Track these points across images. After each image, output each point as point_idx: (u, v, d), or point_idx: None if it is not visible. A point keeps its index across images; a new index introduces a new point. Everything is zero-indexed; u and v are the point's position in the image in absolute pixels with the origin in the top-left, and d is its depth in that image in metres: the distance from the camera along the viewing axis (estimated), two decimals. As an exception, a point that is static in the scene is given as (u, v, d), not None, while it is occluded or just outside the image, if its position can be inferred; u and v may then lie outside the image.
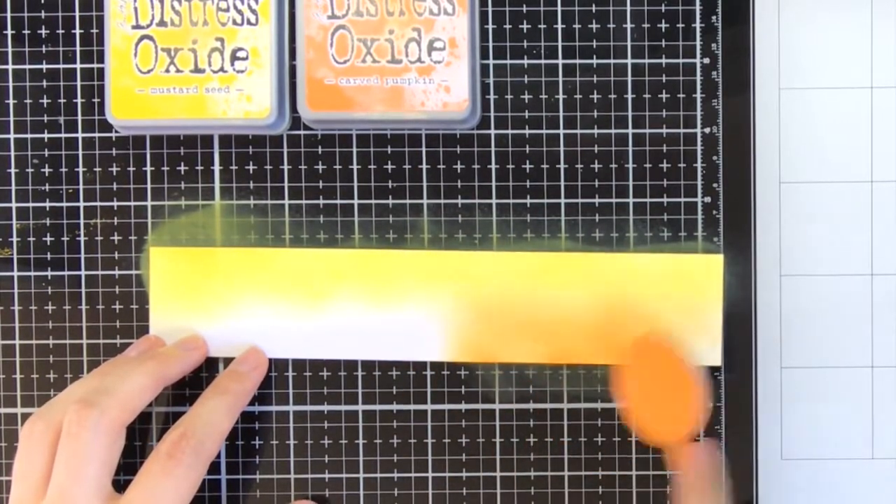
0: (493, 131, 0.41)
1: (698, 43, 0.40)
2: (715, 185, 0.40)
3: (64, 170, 0.41)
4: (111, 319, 0.41)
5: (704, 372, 0.39)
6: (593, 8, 0.40)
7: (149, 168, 0.41)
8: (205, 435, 0.36)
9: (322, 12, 0.39)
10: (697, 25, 0.40)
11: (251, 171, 0.41)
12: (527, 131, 0.41)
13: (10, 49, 0.41)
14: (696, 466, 0.37)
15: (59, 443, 0.35)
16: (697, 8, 0.40)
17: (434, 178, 0.41)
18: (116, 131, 0.41)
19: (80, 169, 0.41)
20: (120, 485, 0.36)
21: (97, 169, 0.41)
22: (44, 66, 0.41)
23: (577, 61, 0.41)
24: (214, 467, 0.41)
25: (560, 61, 0.41)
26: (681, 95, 0.40)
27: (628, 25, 0.40)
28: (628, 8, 0.40)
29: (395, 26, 0.39)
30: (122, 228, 0.41)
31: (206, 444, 0.36)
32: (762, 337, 0.41)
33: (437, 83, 0.39)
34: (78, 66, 0.41)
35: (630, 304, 0.40)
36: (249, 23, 0.39)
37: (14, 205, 0.41)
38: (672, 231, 0.40)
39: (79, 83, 0.41)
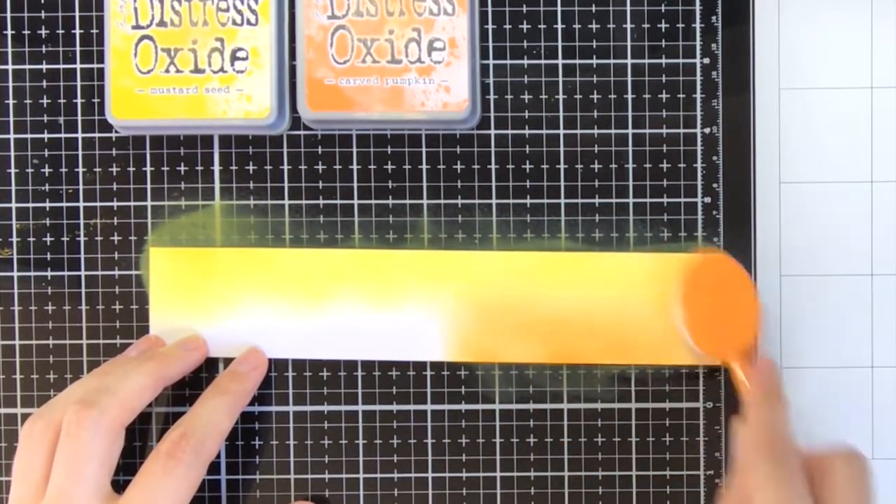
0: (493, 131, 0.41)
1: (698, 43, 0.40)
2: (715, 185, 0.40)
3: (64, 170, 0.41)
4: (111, 319, 0.41)
5: (756, 288, 0.39)
6: (593, 8, 0.40)
7: (149, 168, 0.41)
8: (205, 435, 0.36)
9: (322, 12, 0.39)
10: (697, 25, 0.40)
11: (251, 171, 0.41)
12: (527, 131, 0.41)
13: (10, 49, 0.41)
14: (761, 374, 0.37)
15: (59, 442, 0.35)
16: (697, 8, 0.40)
17: (434, 178, 0.41)
18: (116, 131, 0.41)
19: (80, 169, 0.41)
20: (119, 485, 0.36)
21: (97, 169, 0.41)
22: (44, 66, 0.41)
23: (577, 61, 0.41)
24: (214, 467, 0.41)
25: (560, 61, 0.41)
26: (681, 95, 0.40)
27: (628, 25, 0.40)
28: (628, 8, 0.40)
29: (395, 26, 0.39)
30: (122, 228, 0.41)
31: (207, 444, 0.36)
32: (762, 337, 0.41)
33: (437, 83, 0.39)
34: (78, 66, 0.41)
35: (630, 304, 0.40)
36: (249, 23, 0.39)
37: (14, 205, 0.41)
38: (672, 231, 0.40)
39: (79, 83, 0.41)
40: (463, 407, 0.41)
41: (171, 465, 0.35)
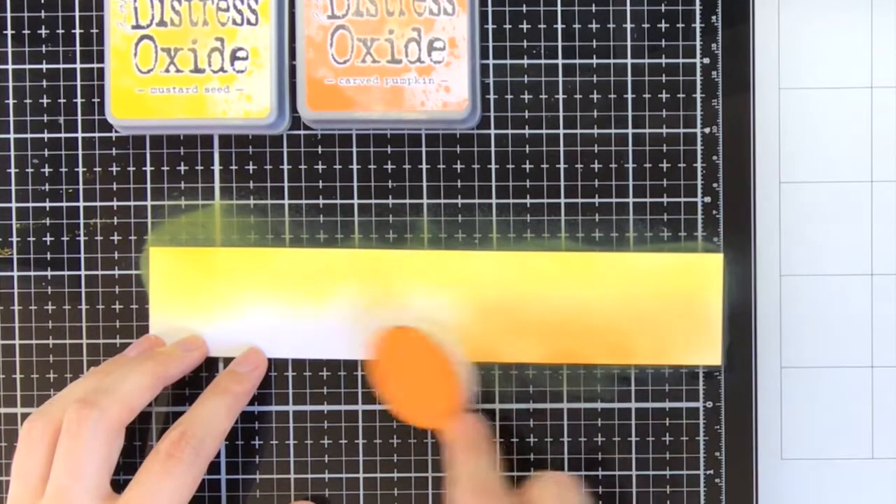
0: (493, 131, 0.41)
1: (698, 43, 0.40)
2: (715, 185, 0.40)
3: (64, 170, 0.41)
4: (111, 319, 0.41)
5: (456, 355, 0.39)
6: (593, 8, 0.40)
7: (149, 168, 0.41)
8: (205, 434, 0.37)
9: (322, 12, 0.39)
10: (697, 25, 0.40)
11: (251, 171, 0.41)
12: (527, 131, 0.41)
13: (10, 49, 0.41)
14: (462, 429, 0.38)
15: (59, 441, 0.35)
16: (697, 8, 0.40)
17: (434, 178, 0.41)
18: (116, 131, 0.41)
19: (80, 169, 0.41)
20: (119, 484, 0.36)
21: (97, 169, 0.41)
22: (44, 66, 0.41)
23: (577, 61, 0.41)
24: (214, 467, 0.41)
25: (560, 61, 0.41)
26: (681, 95, 0.40)
27: (628, 25, 0.40)
28: (628, 8, 0.40)
29: (394, 26, 0.39)
30: (122, 228, 0.41)
31: (206, 444, 0.36)
32: (762, 337, 0.41)
33: (437, 83, 0.39)
34: (78, 66, 0.41)
35: (630, 304, 0.40)
36: (249, 23, 0.39)
37: (14, 205, 0.41)
38: (672, 231, 0.40)
39: (79, 83, 0.41)
40: (463, 407, 0.41)
41: (171, 464, 0.35)
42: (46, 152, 0.41)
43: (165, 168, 0.41)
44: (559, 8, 0.40)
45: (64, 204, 0.41)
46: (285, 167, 0.41)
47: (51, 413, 0.36)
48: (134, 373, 0.37)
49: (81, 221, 0.41)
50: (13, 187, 0.41)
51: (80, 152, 0.41)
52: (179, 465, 0.35)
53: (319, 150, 0.41)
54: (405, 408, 0.39)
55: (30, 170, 0.41)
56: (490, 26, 0.41)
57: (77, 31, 0.41)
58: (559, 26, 0.41)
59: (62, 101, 0.41)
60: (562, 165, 0.41)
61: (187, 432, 0.36)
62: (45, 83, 0.41)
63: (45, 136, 0.41)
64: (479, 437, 0.38)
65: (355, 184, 0.41)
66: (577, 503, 0.36)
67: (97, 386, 0.36)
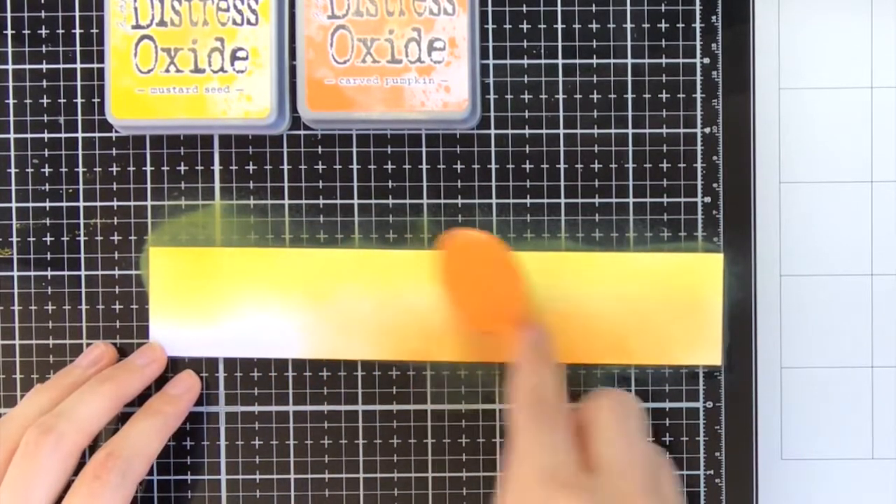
0: (493, 131, 0.41)
1: (698, 43, 0.40)
2: (715, 185, 0.40)
3: (64, 170, 0.41)
4: (111, 319, 0.41)
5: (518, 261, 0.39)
6: (593, 8, 0.40)
7: (149, 168, 0.41)
8: (132, 455, 0.36)
9: (322, 12, 0.39)
10: (697, 25, 0.40)
11: (251, 171, 0.41)
12: (527, 131, 0.41)
13: (10, 49, 0.41)
14: (528, 337, 0.36)
15: (12, 462, 0.35)
16: (697, 8, 0.40)
17: (434, 178, 0.41)
18: (116, 131, 0.41)
19: (80, 169, 0.41)
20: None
21: (97, 169, 0.41)
22: (44, 66, 0.41)
23: (577, 61, 0.41)
24: (214, 467, 0.41)
25: (560, 61, 0.41)
26: (681, 95, 0.40)
27: (628, 25, 0.40)
28: (628, 8, 0.40)
29: (395, 26, 0.39)
30: (122, 228, 0.41)
31: (134, 465, 0.36)
32: (762, 337, 0.41)
33: (437, 83, 0.39)
34: (78, 66, 0.41)
35: (630, 304, 0.40)
36: (249, 23, 0.39)
37: (14, 205, 0.41)
38: (672, 231, 0.40)
39: (79, 83, 0.41)
40: (463, 407, 0.41)
41: (97, 486, 0.35)
42: (46, 152, 0.41)
43: (165, 168, 0.41)
44: (559, 8, 0.40)
45: (64, 204, 0.41)
46: (285, 167, 0.41)
47: (5, 432, 0.36)
48: (93, 396, 0.37)
49: (81, 221, 0.41)
50: (13, 187, 0.41)
51: (80, 152, 0.41)
52: (105, 487, 0.35)
53: (319, 150, 0.41)
54: (469, 311, 0.38)
55: (30, 170, 0.41)
56: (490, 26, 0.41)
57: (77, 31, 0.41)
58: (559, 26, 0.41)
59: (62, 101, 0.41)
60: (562, 165, 0.41)
61: (114, 453, 0.36)
62: (45, 83, 0.41)
63: (45, 136, 0.41)
64: (543, 349, 0.36)
65: (355, 184, 0.41)
66: (634, 418, 0.34)
67: (56, 410, 0.36)
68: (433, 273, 0.39)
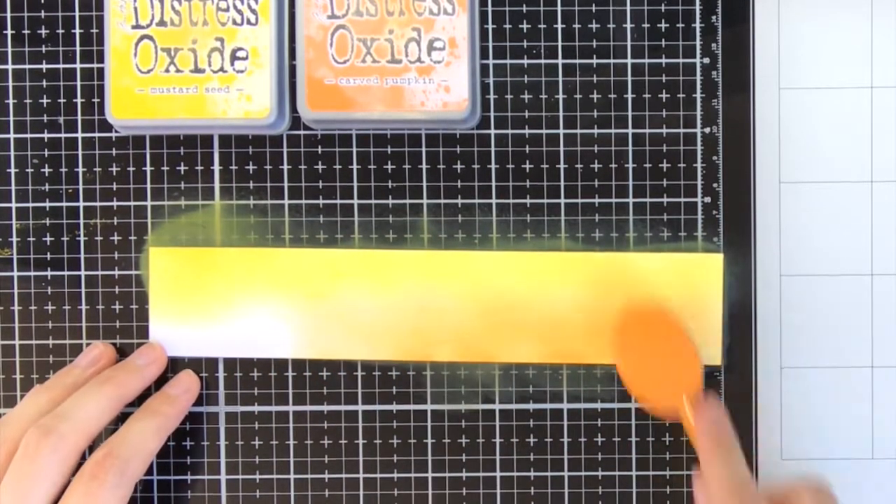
0: (493, 131, 0.41)
1: (698, 43, 0.40)
2: (715, 185, 0.40)
3: (64, 170, 0.41)
4: (111, 319, 0.41)
5: (689, 330, 0.39)
6: (593, 8, 0.40)
7: (149, 168, 0.41)
8: (130, 455, 0.36)
9: (322, 12, 0.39)
10: (697, 25, 0.40)
11: (251, 171, 0.41)
12: (527, 131, 0.41)
13: (10, 49, 0.41)
14: (707, 423, 0.37)
15: (12, 462, 0.35)
16: (697, 8, 0.40)
17: (434, 178, 0.41)
18: (116, 131, 0.41)
19: (80, 169, 0.41)
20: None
21: (97, 169, 0.41)
22: (44, 66, 0.41)
23: (577, 61, 0.41)
24: (214, 467, 0.41)
25: (560, 61, 0.41)
26: (681, 95, 0.40)
27: (628, 25, 0.40)
28: (628, 8, 0.40)
29: (394, 26, 0.39)
30: (122, 228, 0.41)
31: (132, 465, 0.36)
32: (762, 337, 0.41)
33: (436, 83, 0.39)
34: (78, 66, 0.41)
35: (630, 304, 0.40)
36: (249, 23, 0.39)
37: (14, 205, 0.41)
38: (672, 231, 0.40)
39: (79, 83, 0.41)
40: (462, 407, 0.41)
41: (94, 486, 0.35)
42: (46, 152, 0.41)
43: (165, 168, 0.41)
44: (559, 8, 0.40)
45: (64, 204, 0.41)
46: (285, 167, 0.41)
47: (5, 433, 0.36)
48: (93, 397, 0.37)
49: (81, 221, 0.41)
50: (13, 187, 0.41)
51: (80, 152, 0.41)
52: (102, 487, 0.35)
53: (319, 150, 0.41)
54: (646, 392, 0.38)
55: (30, 170, 0.41)
56: (490, 26, 0.41)
57: (77, 31, 0.41)
58: (559, 26, 0.41)
59: (62, 101, 0.41)
60: (562, 165, 0.41)
61: (112, 452, 0.36)
62: (45, 83, 0.41)
63: (45, 136, 0.41)
64: (727, 430, 0.36)
65: (355, 184, 0.41)
66: None
67: (56, 410, 0.36)
68: (609, 348, 0.40)
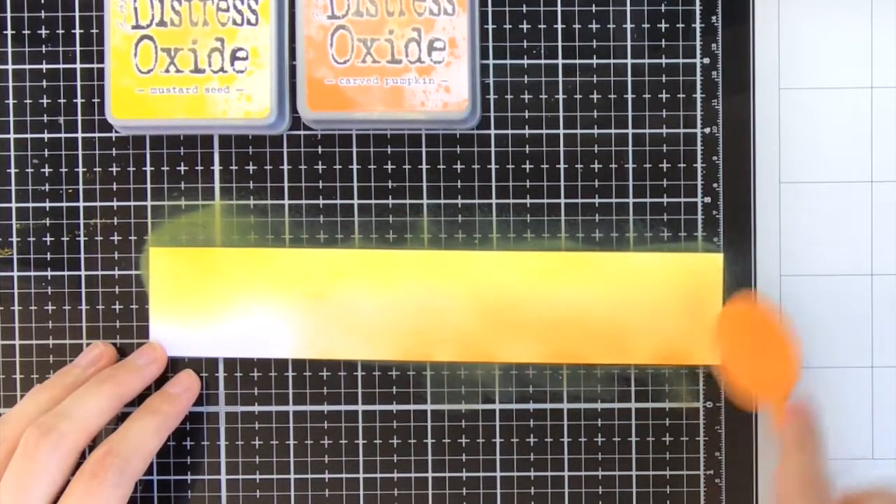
0: (493, 131, 0.41)
1: (698, 43, 0.40)
2: (715, 185, 0.40)
3: (64, 170, 0.41)
4: (111, 319, 0.41)
5: (795, 328, 0.39)
6: (593, 8, 0.40)
7: (149, 168, 0.41)
8: (131, 453, 0.36)
9: (322, 12, 0.39)
10: (697, 25, 0.40)
11: (251, 171, 0.41)
12: (527, 131, 0.41)
13: (10, 49, 0.41)
14: (797, 423, 0.37)
15: (12, 460, 0.35)
16: (697, 8, 0.40)
17: (434, 178, 0.41)
18: (116, 131, 0.41)
19: (80, 169, 0.41)
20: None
21: (97, 169, 0.41)
22: (44, 66, 0.41)
23: (577, 61, 0.41)
24: (214, 467, 0.41)
25: (560, 61, 0.41)
26: (681, 95, 0.40)
27: (628, 25, 0.40)
28: (628, 8, 0.40)
29: (395, 26, 0.39)
30: (122, 228, 0.41)
31: (132, 463, 0.36)
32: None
33: (437, 83, 0.39)
34: (78, 66, 0.41)
35: (630, 304, 0.40)
36: (249, 23, 0.39)
37: (14, 205, 0.41)
38: (672, 231, 0.40)
39: (79, 83, 0.41)
40: (463, 407, 0.41)
41: (94, 484, 0.35)
42: (46, 152, 0.41)
43: (165, 168, 0.41)
44: (559, 8, 0.40)
45: (64, 204, 0.41)
46: (285, 167, 0.41)
47: (5, 431, 0.36)
48: (92, 397, 0.37)
49: (81, 221, 0.41)
50: (13, 187, 0.41)
51: (80, 152, 0.41)
52: (103, 485, 0.35)
53: (319, 150, 0.41)
54: (741, 378, 0.39)
55: (30, 170, 0.41)
56: (490, 26, 0.41)
57: (77, 31, 0.41)
58: (559, 26, 0.41)
59: (62, 101, 0.41)
60: (562, 165, 0.41)
61: (112, 451, 0.36)
62: (45, 83, 0.41)
63: (45, 136, 0.41)
64: (812, 430, 0.37)
65: (355, 184, 0.41)
66: None
67: (56, 409, 0.36)
68: (712, 339, 0.40)
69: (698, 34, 0.40)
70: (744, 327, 0.39)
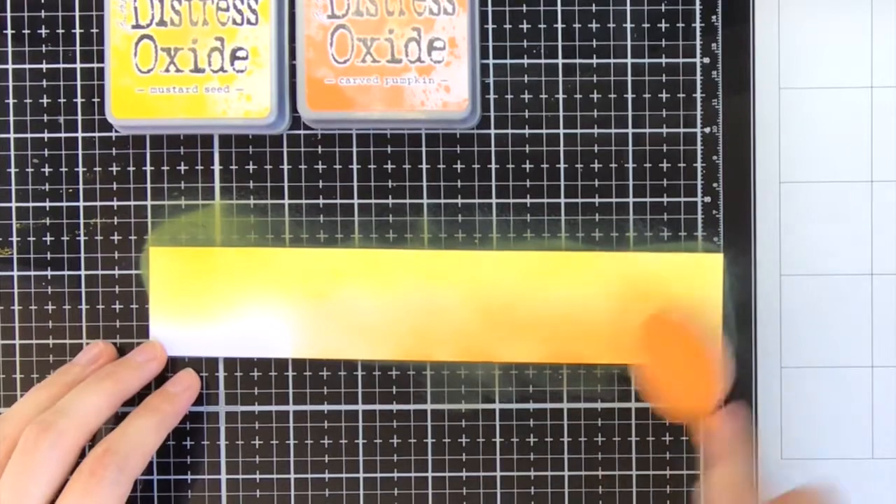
0: (493, 131, 0.41)
1: (698, 43, 0.40)
2: (715, 184, 0.40)
3: (64, 170, 0.41)
4: (111, 319, 0.41)
5: (719, 340, 0.39)
6: (593, 8, 0.40)
7: (149, 168, 0.41)
8: (130, 451, 0.36)
9: (322, 12, 0.39)
10: (697, 25, 0.40)
11: (251, 171, 0.41)
12: (527, 131, 0.41)
13: (10, 49, 0.41)
14: (724, 434, 0.37)
15: (11, 458, 0.35)
16: (697, 7, 0.40)
17: (434, 178, 0.41)
18: (116, 131, 0.41)
19: (80, 169, 0.41)
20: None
21: (97, 169, 0.41)
22: (44, 66, 0.41)
23: (577, 61, 0.41)
24: (214, 467, 0.41)
25: (560, 61, 0.41)
26: (681, 95, 0.40)
27: (628, 25, 0.40)
28: (628, 8, 0.40)
29: (394, 26, 0.39)
30: (122, 228, 0.41)
31: (131, 461, 0.36)
32: (762, 337, 0.41)
33: (436, 83, 0.39)
34: (78, 65, 0.41)
35: (630, 304, 0.40)
36: (249, 22, 0.39)
37: (14, 205, 0.41)
38: (672, 231, 0.40)
39: (79, 83, 0.41)
40: (462, 407, 0.41)
41: (93, 482, 0.35)
42: (46, 152, 0.41)
43: (165, 168, 0.41)
44: (559, 8, 0.40)
45: (64, 204, 0.41)
46: (285, 167, 0.41)
47: (4, 430, 0.36)
48: (91, 394, 0.37)
49: (81, 221, 0.41)
50: (13, 187, 0.41)
51: (80, 152, 0.41)
52: (101, 483, 0.35)
53: (319, 150, 0.41)
54: (665, 400, 0.39)
55: (30, 170, 0.41)
56: (490, 26, 0.41)
57: (77, 30, 0.41)
58: (559, 26, 0.41)
59: (62, 101, 0.41)
60: (562, 165, 0.41)
61: (111, 449, 0.36)
62: (45, 83, 0.41)
63: (45, 136, 0.41)
64: (738, 438, 0.37)
65: (355, 184, 0.41)
66: None
67: (55, 407, 0.36)
68: (632, 368, 0.40)
69: (698, 34, 0.40)
70: (666, 337, 0.39)
